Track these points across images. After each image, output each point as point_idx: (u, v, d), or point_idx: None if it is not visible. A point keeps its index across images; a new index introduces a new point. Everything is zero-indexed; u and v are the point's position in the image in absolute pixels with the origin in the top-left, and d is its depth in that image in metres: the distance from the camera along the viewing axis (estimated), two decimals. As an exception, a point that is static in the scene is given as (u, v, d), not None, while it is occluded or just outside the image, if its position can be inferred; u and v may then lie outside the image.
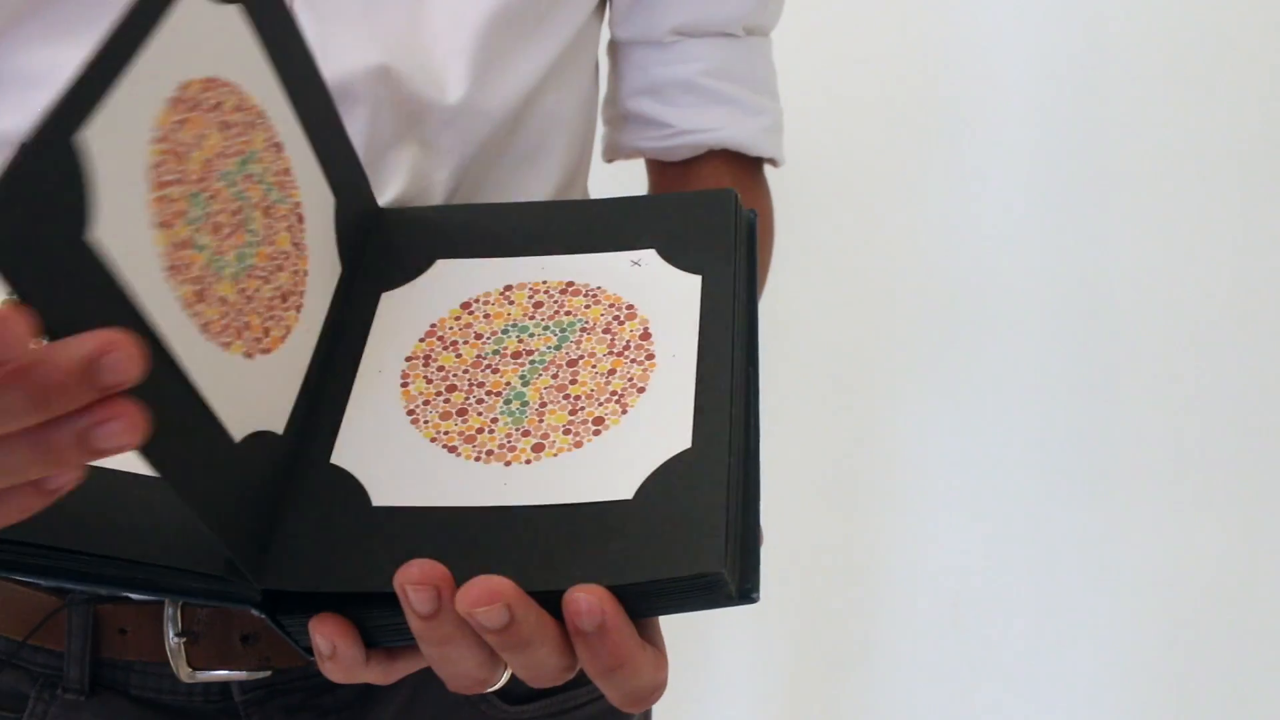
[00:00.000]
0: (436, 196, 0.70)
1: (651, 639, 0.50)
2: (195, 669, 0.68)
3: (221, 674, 0.68)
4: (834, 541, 1.55)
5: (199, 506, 0.46)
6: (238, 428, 0.50)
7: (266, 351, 0.53)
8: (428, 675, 0.52)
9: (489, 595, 0.46)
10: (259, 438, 0.51)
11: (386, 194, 0.69)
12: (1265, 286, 1.46)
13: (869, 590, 1.56)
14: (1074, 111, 1.45)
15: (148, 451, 0.44)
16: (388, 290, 0.60)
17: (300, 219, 0.56)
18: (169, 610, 0.67)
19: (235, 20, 0.53)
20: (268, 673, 0.69)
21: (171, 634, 0.67)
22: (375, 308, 0.59)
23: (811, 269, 1.46)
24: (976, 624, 1.54)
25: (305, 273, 0.56)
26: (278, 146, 0.55)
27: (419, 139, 0.68)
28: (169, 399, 0.46)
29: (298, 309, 0.55)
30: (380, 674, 0.51)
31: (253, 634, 0.68)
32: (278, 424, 0.53)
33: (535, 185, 0.74)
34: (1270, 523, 1.49)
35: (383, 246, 0.62)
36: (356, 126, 0.67)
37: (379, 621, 0.50)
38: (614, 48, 0.81)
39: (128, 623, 0.68)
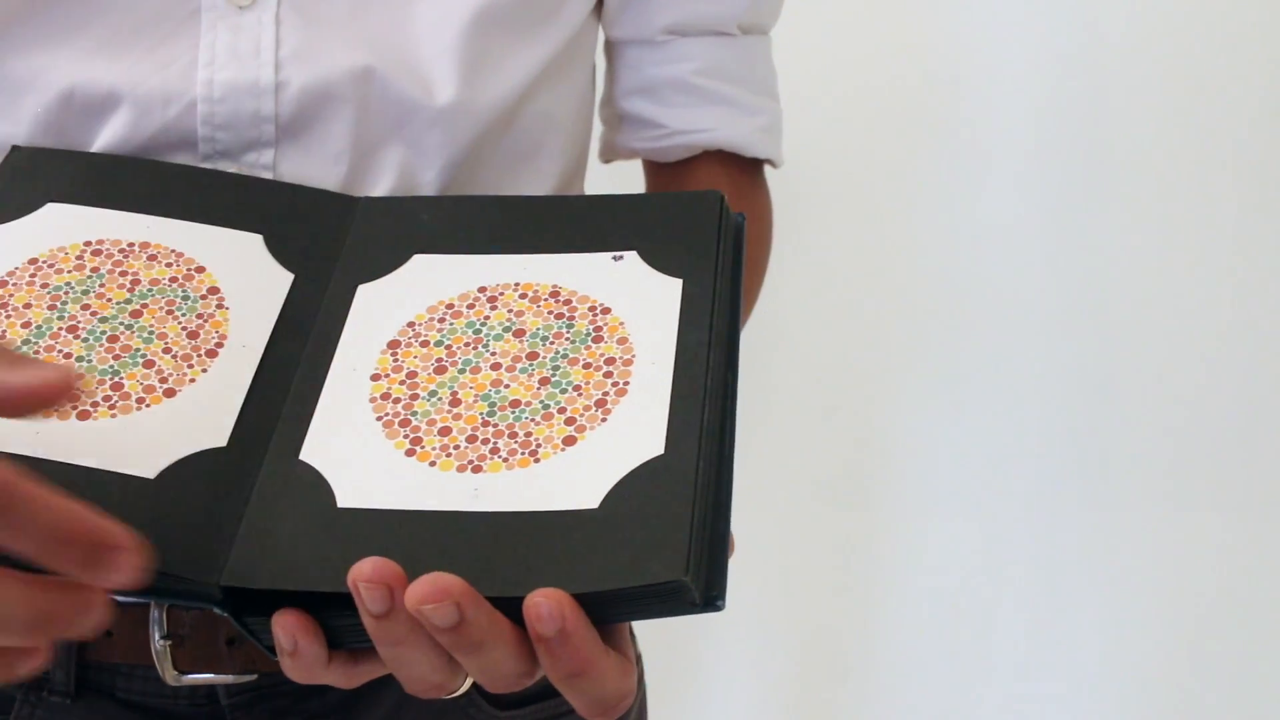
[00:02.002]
0: (424, 195, 0.69)
1: (617, 646, 0.50)
2: (181, 672, 0.67)
3: (207, 677, 0.68)
4: (833, 542, 1.55)
5: None
6: (148, 467, 0.51)
7: (169, 395, 0.55)
8: None
9: (438, 593, 0.45)
10: (187, 462, 0.52)
11: (374, 194, 0.68)
12: (1265, 286, 1.45)
13: (868, 591, 1.55)
14: (1075, 113, 1.44)
15: None
16: (364, 282, 0.60)
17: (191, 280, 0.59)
18: (154, 613, 0.67)
19: None
20: (254, 676, 0.69)
21: (157, 637, 0.67)
22: (351, 300, 0.59)
23: (811, 269, 1.45)
24: (976, 624, 1.53)
25: (219, 316, 0.58)
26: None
27: (406, 139, 0.68)
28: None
29: (218, 346, 0.57)
30: (343, 677, 0.51)
31: (239, 637, 0.68)
32: (216, 441, 0.53)
33: (530, 187, 0.74)
34: (1270, 523, 1.48)
35: (361, 236, 0.62)
36: (342, 128, 0.67)
37: (341, 622, 0.49)
38: (609, 47, 0.81)
39: (113, 625, 0.68)
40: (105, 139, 0.65)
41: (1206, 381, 1.47)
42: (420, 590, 0.45)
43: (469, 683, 0.50)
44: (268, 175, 0.67)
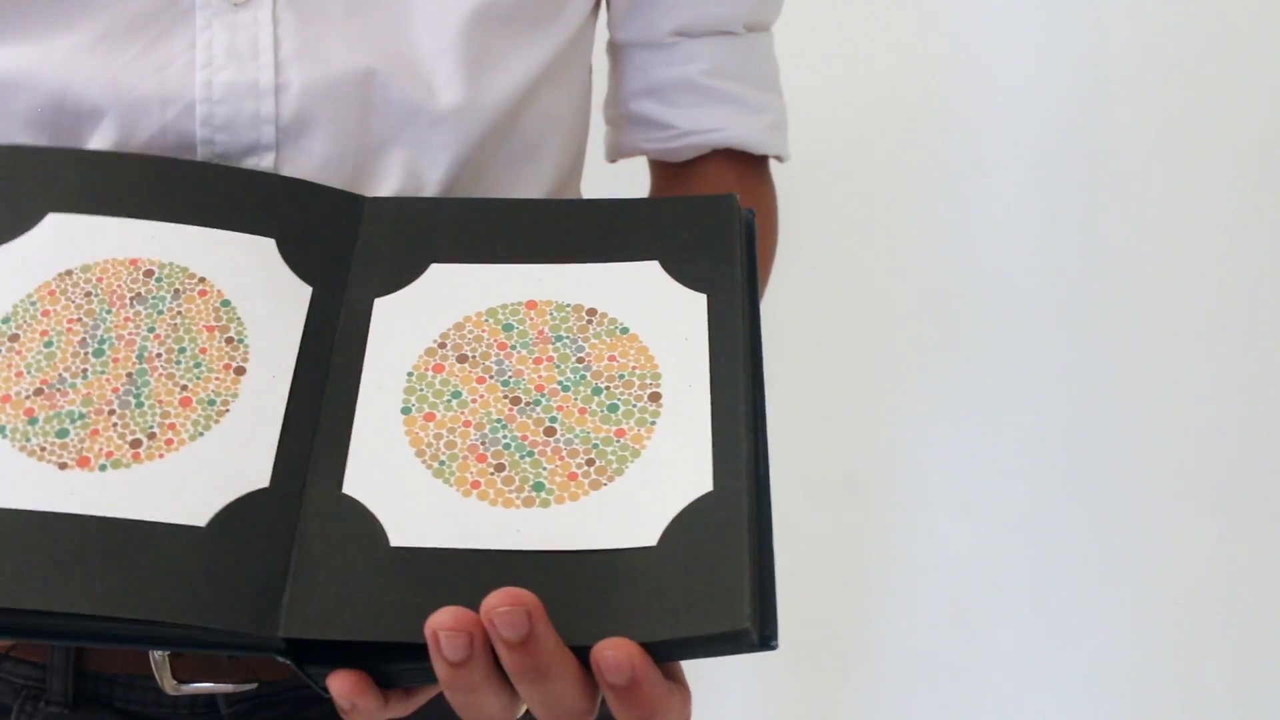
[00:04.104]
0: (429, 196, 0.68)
1: (675, 675, 0.50)
2: (180, 682, 0.67)
3: (207, 686, 0.67)
4: (833, 542, 1.54)
5: (179, 611, 0.46)
6: (195, 515, 0.49)
7: (187, 440, 0.52)
8: None
9: (511, 598, 0.46)
10: (234, 507, 0.50)
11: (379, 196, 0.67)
12: (1266, 288, 1.44)
13: (868, 591, 1.55)
14: (1079, 118, 1.43)
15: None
16: (380, 296, 0.58)
17: (215, 294, 0.56)
18: (153, 622, 0.66)
19: None
20: (254, 685, 0.68)
21: None
22: (369, 314, 0.57)
23: (813, 268, 1.44)
24: (977, 625, 1.53)
25: (240, 339, 0.55)
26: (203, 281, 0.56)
27: (410, 141, 0.67)
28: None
29: (239, 373, 0.54)
30: (400, 709, 0.51)
31: (238, 646, 0.67)
32: (259, 482, 0.51)
33: (530, 185, 0.73)
34: (1270, 523, 1.48)
35: (373, 244, 0.60)
36: (345, 131, 0.66)
37: (401, 665, 0.49)
38: (614, 49, 0.80)
39: None
40: (100, 141, 0.64)
41: (1207, 383, 1.46)
42: (494, 599, 0.46)
43: (523, 710, 0.50)
44: None
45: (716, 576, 0.47)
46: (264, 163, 0.65)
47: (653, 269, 0.58)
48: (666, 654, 0.47)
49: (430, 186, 0.68)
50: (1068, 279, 1.46)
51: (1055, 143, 1.44)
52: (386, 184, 0.67)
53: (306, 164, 0.66)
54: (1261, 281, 1.44)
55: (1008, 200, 1.45)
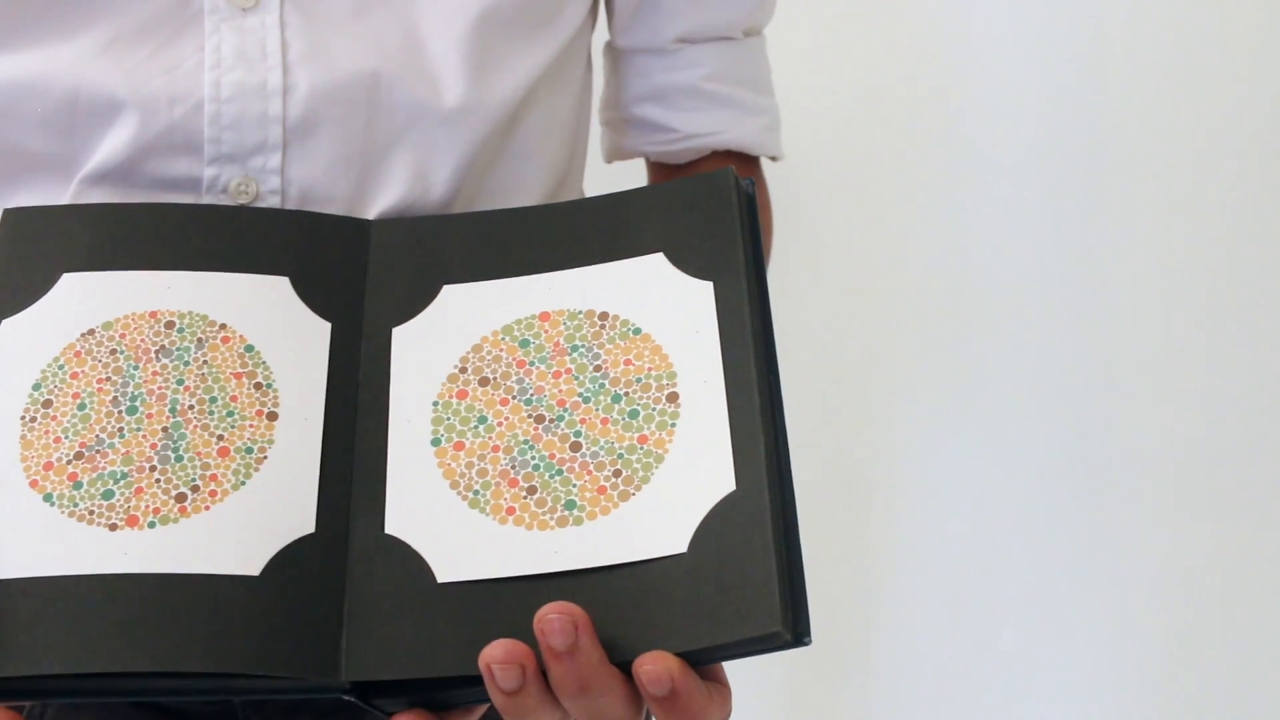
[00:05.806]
0: (436, 197, 0.69)
1: (714, 675, 0.52)
2: (199, 677, 0.68)
3: (224, 678, 0.68)
4: (832, 542, 1.55)
5: (248, 662, 0.48)
6: (248, 564, 0.50)
7: (228, 492, 0.53)
8: None
9: (562, 608, 0.48)
10: (285, 554, 0.52)
11: (387, 198, 0.68)
12: (1266, 288, 1.45)
13: (868, 591, 1.55)
14: (1077, 117, 1.44)
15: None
16: (398, 325, 0.58)
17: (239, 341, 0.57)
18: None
19: None
20: (272, 679, 0.69)
21: None
22: (389, 345, 0.58)
23: (812, 271, 1.45)
24: (977, 626, 1.53)
25: (268, 384, 0.56)
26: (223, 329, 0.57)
27: (416, 141, 0.68)
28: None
29: (272, 418, 0.55)
30: None
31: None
32: (304, 527, 0.53)
33: (533, 183, 0.74)
34: (1269, 524, 1.49)
35: (384, 271, 0.60)
36: (352, 131, 0.67)
37: (458, 690, 0.50)
38: (615, 53, 0.81)
39: None
40: (111, 141, 0.65)
41: (1207, 384, 1.46)
42: (547, 608, 0.48)
43: None
44: (275, 180, 0.66)
45: (746, 580, 0.49)
46: (270, 162, 0.66)
47: (658, 262, 0.58)
48: (703, 659, 0.49)
49: (438, 186, 0.69)
50: (1067, 278, 1.46)
51: (1057, 142, 1.44)
52: (393, 184, 0.68)
53: (313, 164, 0.67)
54: (1262, 282, 1.45)
55: (1008, 199, 1.45)
